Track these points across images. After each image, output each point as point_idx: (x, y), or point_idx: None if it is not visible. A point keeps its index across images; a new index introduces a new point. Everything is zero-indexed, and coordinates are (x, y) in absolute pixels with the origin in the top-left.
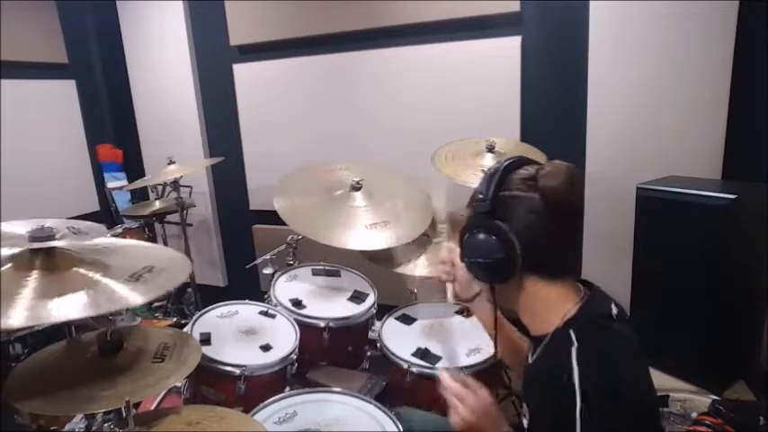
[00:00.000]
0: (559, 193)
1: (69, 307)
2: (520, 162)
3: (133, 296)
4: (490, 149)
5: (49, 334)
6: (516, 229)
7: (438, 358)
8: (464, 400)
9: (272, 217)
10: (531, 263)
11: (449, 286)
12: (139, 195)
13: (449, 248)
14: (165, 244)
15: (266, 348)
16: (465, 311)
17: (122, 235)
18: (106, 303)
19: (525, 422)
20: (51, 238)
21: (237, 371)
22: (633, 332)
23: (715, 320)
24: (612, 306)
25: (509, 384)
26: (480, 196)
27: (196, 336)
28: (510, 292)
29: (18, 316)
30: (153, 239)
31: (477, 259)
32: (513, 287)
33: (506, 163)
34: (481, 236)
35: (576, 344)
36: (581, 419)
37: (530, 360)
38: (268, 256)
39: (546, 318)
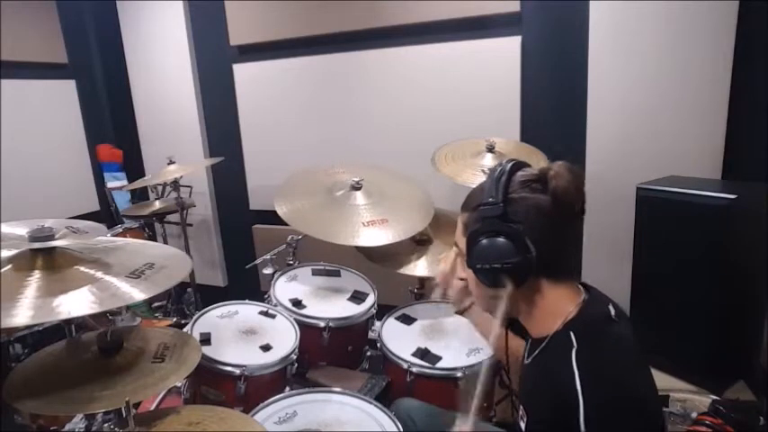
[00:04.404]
0: (569, 194)
1: (74, 303)
2: (519, 164)
3: (135, 292)
4: (490, 149)
5: (49, 334)
6: (529, 231)
7: (438, 358)
8: None
9: (272, 217)
10: (542, 265)
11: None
12: (139, 195)
13: (443, 269)
14: (165, 244)
15: (266, 348)
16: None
17: (122, 235)
18: (110, 299)
19: (523, 425)
20: (51, 237)
21: (237, 371)
22: (632, 332)
23: (715, 320)
24: (610, 307)
25: (509, 384)
26: (491, 199)
27: (196, 336)
28: (514, 295)
29: (23, 315)
30: (153, 239)
31: (490, 265)
32: (518, 290)
33: (510, 165)
34: (494, 240)
35: (575, 346)
36: (585, 423)
37: (526, 360)
38: (268, 256)
39: (547, 320)
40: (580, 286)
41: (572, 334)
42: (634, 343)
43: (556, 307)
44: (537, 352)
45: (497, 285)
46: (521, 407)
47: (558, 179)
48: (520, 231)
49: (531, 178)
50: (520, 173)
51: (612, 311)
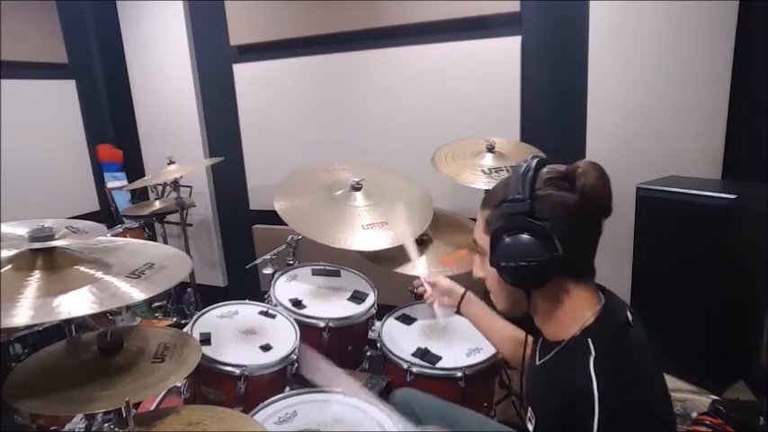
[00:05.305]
0: (597, 192)
1: (74, 303)
2: (544, 161)
3: (135, 292)
4: (490, 149)
5: (49, 334)
6: (556, 229)
7: (438, 358)
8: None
9: (272, 217)
10: (567, 265)
11: (436, 306)
12: (139, 195)
13: (428, 272)
14: (165, 244)
15: (266, 348)
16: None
17: (122, 235)
18: (110, 299)
19: (531, 426)
20: (51, 237)
21: (237, 371)
22: (646, 337)
23: (715, 320)
24: (628, 312)
25: (509, 384)
26: (518, 196)
27: (196, 336)
28: (535, 294)
29: (23, 315)
30: (153, 239)
31: (516, 262)
32: (540, 290)
33: (536, 162)
34: (520, 237)
35: (594, 353)
36: (598, 428)
37: (537, 362)
38: (268, 256)
39: (566, 322)
40: (599, 290)
41: (590, 341)
42: (650, 348)
43: (576, 309)
44: (551, 355)
45: (521, 284)
46: (529, 409)
47: (587, 177)
48: (547, 229)
49: (557, 175)
50: (545, 169)
51: (630, 316)
